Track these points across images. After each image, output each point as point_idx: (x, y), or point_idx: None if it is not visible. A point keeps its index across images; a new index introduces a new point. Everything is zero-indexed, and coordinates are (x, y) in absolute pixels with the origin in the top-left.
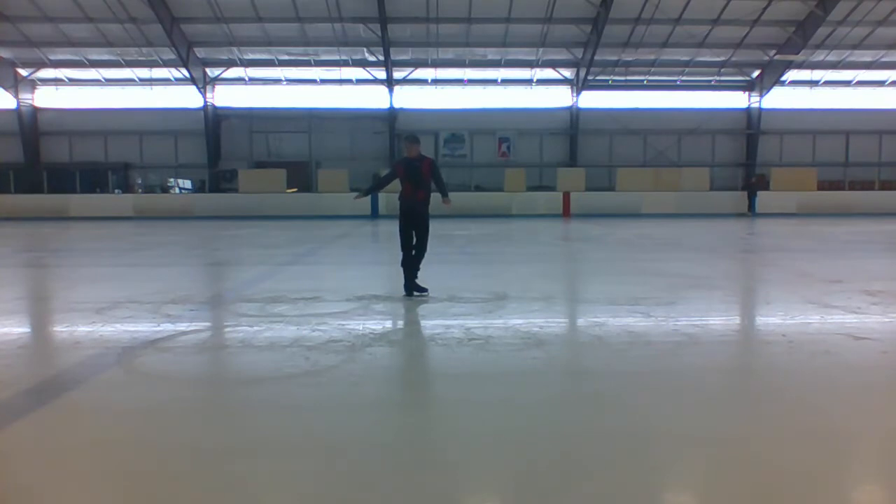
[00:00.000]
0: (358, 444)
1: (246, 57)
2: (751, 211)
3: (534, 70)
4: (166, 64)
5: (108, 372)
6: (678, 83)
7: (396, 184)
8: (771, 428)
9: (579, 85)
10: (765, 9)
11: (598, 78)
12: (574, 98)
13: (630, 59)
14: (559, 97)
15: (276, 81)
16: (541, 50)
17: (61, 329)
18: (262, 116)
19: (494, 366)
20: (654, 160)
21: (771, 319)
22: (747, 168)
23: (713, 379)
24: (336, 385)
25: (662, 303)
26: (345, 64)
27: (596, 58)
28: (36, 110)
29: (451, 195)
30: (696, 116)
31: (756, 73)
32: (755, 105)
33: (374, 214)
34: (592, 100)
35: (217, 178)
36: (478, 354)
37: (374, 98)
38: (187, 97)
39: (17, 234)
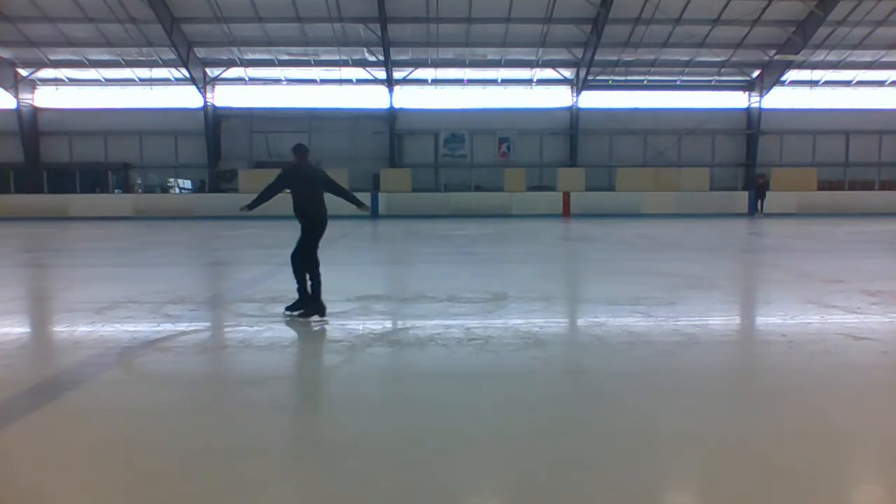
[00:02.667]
0: (358, 444)
1: (246, 57)
2: (753, 211)
3: (534, 70)
4: (166, 64)
5: (108, 372)
6: (678, 83)
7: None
8: (771, 428)
9: (579, 85)
10: (765, 9)
11: (598, 78)
12: (574, 98)
13: (630, 59)
14: (559, 97)
15: (276, 81)
16: (541, 50)
17: (61, 329)
18: (262, 116)
19: (494, 366)
20: (654, 160)
21: (771, 319)
22: (748, 168)
23: (713, 379)
24: (336, 385)
25: (662, 303)
26: (345, 64)
27: (596, 58)
28: (36, 110)
29: (452, 195)
30: (696, 116)
31: (756, 73)
32: (755, 105)
33: (374, 214)
34: (592, 100)
35: (217, 178)
36: (478, 354)
37: (374, 98)
38: (187, 97)
39: (17, 234)
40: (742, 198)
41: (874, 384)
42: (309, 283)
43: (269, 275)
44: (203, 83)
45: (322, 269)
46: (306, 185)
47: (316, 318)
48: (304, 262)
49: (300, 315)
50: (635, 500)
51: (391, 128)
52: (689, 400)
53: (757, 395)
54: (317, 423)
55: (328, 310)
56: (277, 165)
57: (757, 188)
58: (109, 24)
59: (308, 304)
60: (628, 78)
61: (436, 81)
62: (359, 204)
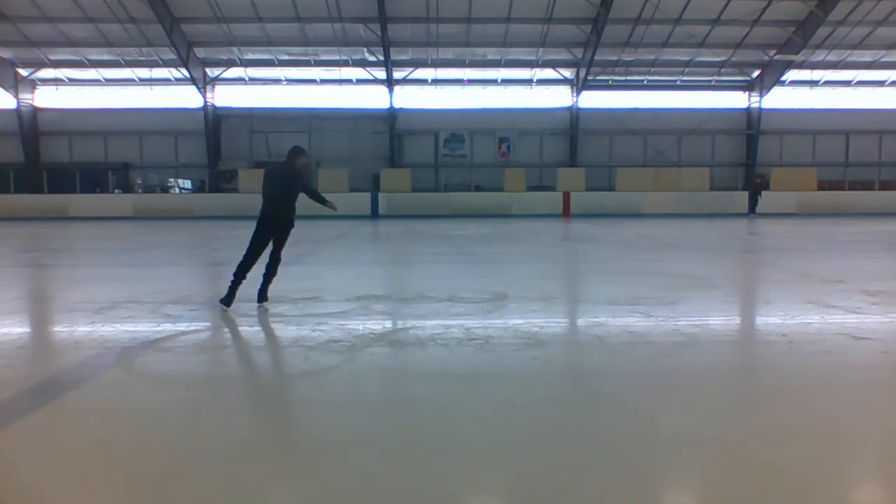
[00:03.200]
0: (358, 444)
1: (246, 57)
2: (751, 211)
3: (534, 70)
4: (166, 64)
5: (108, 372)
6: (678, 83)
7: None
8: (771, 428)
9: (579, 85)
10: (765, 9)
11: (598, 78)
12: (574, 98)
13: (630, 59)
14: (559, 97)
15: (276, 81)
16: (541, 50)
17: (61, 329)
18: (262, 116)
19: (494, 366)
20: (654, 160)
21: (771, 319)
22: (748, 168)
23: (713, 379)
24: (336, 385)
25: (662, 303)
26: (345, 64)
27: (596, 58)
28: (36, 110)
29: (453, 195)
30: (696, 116)
31: (756, 73)
32: (755, 105)
33: (374, 214)
34: (592, 100)
35: (217, 178)
36: (478, 354)
37: (374, 98)
38: (187, 97)
39: (17, 234)
40: (742, 198)
41: (874, 384)
42: (260, 274)
43: None
44: (203, 83)
45: (322, 269)
46: (277, 186)
47: (222, 307)
48: (272, 257)
49: (223, 300)
50: (635, 501)
51: (391, 128)
52: (689, 400)
53: (757, 395)
54: (316, 422)
55: (328, 310)
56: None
57: (754, 187)
58: (109, 24)
59: (231, 291)
60: (628, 78)
61: (436, 81)
62: (323, 202)
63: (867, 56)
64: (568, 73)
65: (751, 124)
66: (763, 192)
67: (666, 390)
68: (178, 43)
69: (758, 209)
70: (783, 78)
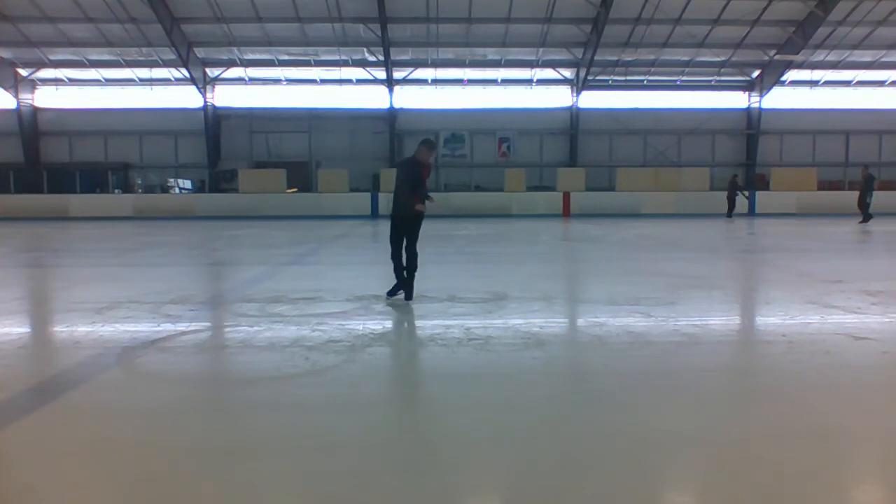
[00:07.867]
0: (358, 444)
1: (246, 57)
2: (730, 213)
3: (534, 70)
4: (166, 64)
5: (108, 372)
6: (678, 83)
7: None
8: (771, 428)
9: (579, 85)
10: (765, 9)
11: (598, 78)
12: (574, 98)
13: (630, 59)
14: (559, 97)
15: (276, 81)
16: (541, 50)
17: (61, 329)
18: (262, 116)
19: (494, 366)
20: (654, 160)
21: (771, 319)
22: (748, 168)
23: (713, 379)
24: (336, 385)
25: (662, 303)
26: (345, 64)
27: (596, 58)
28: (36, 110)
29: (452, 195)
30: (696, 116)
31: (756, 73)
32: (755, 105)
33: (374, 214)
34: (592, 100)
35: (217, 178)
36: (478, 355)
37: (374, 98)
38: (187, 97)
39: (17, 234)
40: (742, 198)
41: (874, 384)
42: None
43: (269, 275)
44: (203, 83)
45: (322, 269)
46: (398, 179)
47: (400, 296)
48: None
49: (402, 297)
50: (636, 500)
51: (391, 128)
52: (689, 400)
53: (757, 395)
54: (316, 423)
55: (328, 310)
56: (277, 165)
57: (731, 186)
58: (109, 24)
59: (402, 285)
60: (628, 78)
61: (436, 81)
62: (426, 198)
63: (867, 56)
64: (568, 73)
65: (751, 124)
66: (740, 192)
67: (666, 390)
68: (178, 43)
69: (732, 213)
70: (783, 78)
